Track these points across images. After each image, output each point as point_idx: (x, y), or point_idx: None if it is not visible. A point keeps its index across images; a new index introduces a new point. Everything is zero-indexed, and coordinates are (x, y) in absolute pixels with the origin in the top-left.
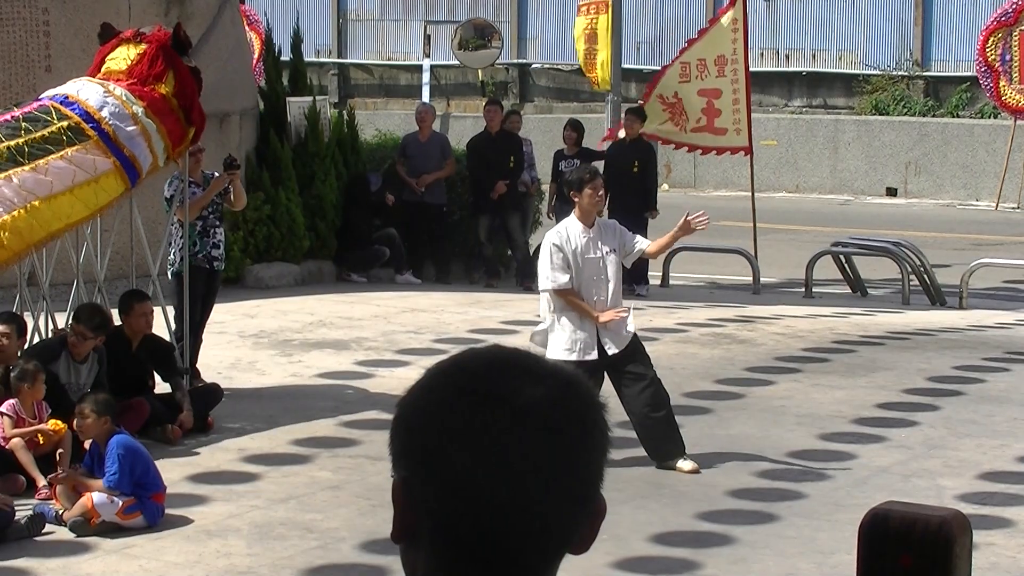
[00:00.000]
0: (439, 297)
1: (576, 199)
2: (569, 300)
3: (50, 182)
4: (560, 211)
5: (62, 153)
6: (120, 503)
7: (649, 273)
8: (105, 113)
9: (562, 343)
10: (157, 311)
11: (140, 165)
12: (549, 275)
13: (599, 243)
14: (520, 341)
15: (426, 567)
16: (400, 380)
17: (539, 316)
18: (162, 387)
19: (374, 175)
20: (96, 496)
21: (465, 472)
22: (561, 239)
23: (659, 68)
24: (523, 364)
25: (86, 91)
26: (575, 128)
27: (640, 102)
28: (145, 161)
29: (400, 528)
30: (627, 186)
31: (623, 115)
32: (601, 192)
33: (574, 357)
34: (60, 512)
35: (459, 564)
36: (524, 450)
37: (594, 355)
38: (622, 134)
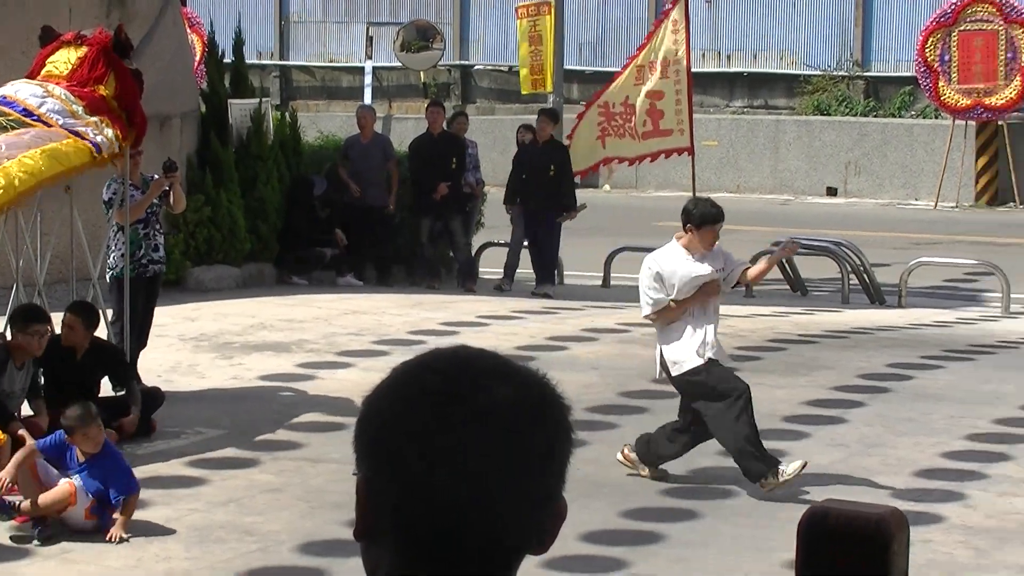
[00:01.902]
0: (380, 299)
1: (691, 232)
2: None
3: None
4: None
5: (17, 132)
6: (89, 500)
7: (588, 273)
8: (45, 109)
9: (683, 351)
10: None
11: (96, 141)
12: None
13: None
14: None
15: (388, 565)
16: (341, 382)
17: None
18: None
19: (317, 177)
20: (78, 482)
21: (425, 472)
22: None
23: (601, 69)
24: (488, 365)
25: (24, 91)
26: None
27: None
28: (101, 142)
29: (362, 526)
30: (543, 189)
31: (536, 117)
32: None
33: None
34: (18, 503)
35: (420, 563)
36: (485, 451)
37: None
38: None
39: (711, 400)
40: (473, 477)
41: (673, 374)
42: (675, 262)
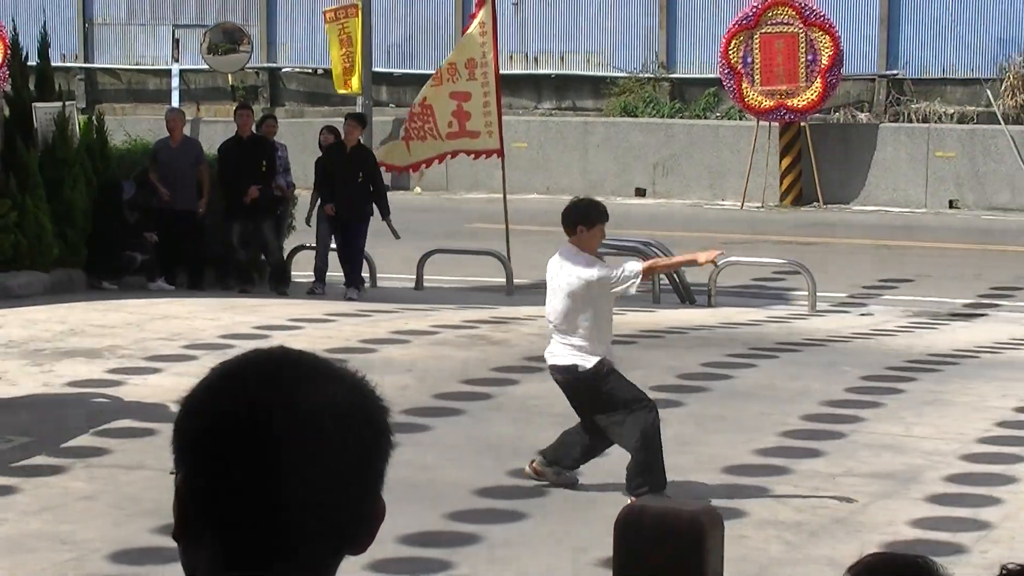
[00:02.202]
0: (192, 303)
1: (582, 232)
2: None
3: None
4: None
5: None
6: None
7: (401, 275)
8: None
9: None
10: None
11: None
12: (628, 275)
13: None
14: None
15: (206, 567)
16: (153, 388)
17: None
18: None
19: (126, 181)
20: None
21: (243, 474)
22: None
23: (410, 72)
24: (308, 365)
25: None
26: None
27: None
28: None
29: (181, 528)
30: (351, 195)
31: (344, 120)
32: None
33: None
34: None
35: (238, 564)
36: (304, 452)
37: None
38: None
39: (627, 412)
40: (291, 478)
41: (605, 388)
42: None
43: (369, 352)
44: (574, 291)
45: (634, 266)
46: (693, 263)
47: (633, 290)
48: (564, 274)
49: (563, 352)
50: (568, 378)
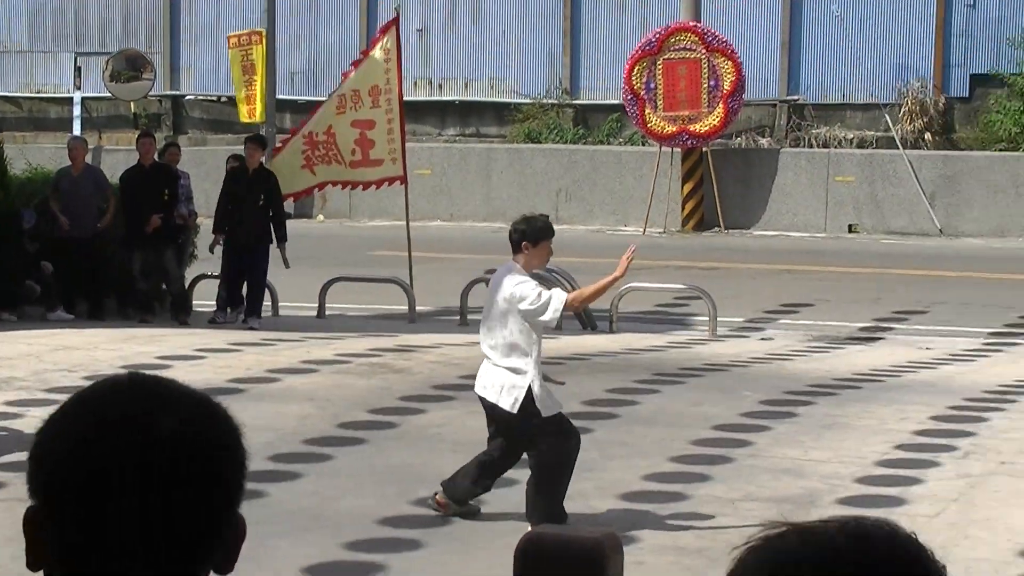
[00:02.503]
0: (92, 334)
1: (528, 250)
2: (580, 297)
3: None
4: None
5: None
6: None
7: (303, 303)
8: None
9: (551, 395)
10: None
11: None
12: (553, 303)
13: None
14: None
15: None
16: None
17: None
18: None
19: (27, 210)
20: None
21: (93, 503)
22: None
23: (313, 99)
24: (159, 390)
25: None
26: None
27: (279, 144)
28: None
29: (31, 559)
30: (253, 218)
31: (245, 144)
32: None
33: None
34: None
35: None
36: (157, 480)
37: None
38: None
39: (553, 438)
40: (144, 507)
41: (546, 413)
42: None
43: (271, 382)
44: (505, 312)
45: (558, 301)
46: (616, 280)
47: (554, 324)
48: (499, 294)
49: (493, 374)
50: (493, 403)
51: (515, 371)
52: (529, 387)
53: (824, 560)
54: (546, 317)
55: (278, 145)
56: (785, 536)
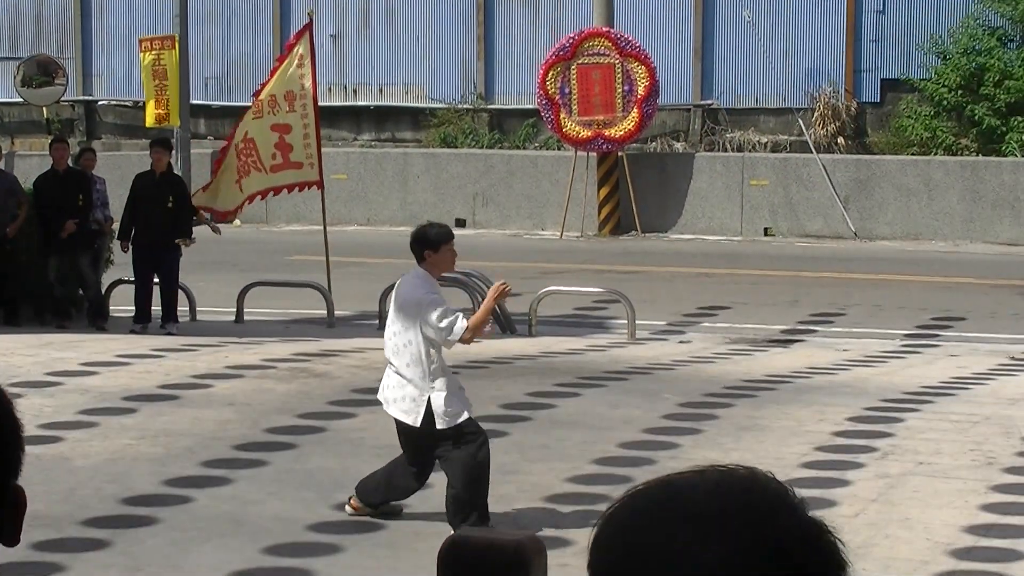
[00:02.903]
0: (8, 340)
1: (431, 257)
2: (473, 328)
3: None
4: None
5: None
6: None
7: (220, 308)
8: None
9: (456, 402)
10: None
11: None
12: (454, 334)
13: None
14: (98, 383)
15: None
16: None
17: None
18: None
19: None
20: None
21: None
22: (433, 287)
23: (228, 104)
24: None
25: None
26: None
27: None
28: None
29: None
30: (161, 221)
31: (150, 148)
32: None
33: (471, 411)
34: None
35: None
36: None
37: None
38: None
39: (457, 444)
40: None
41: (446, 425)
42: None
43: (193, 388)
44: (409, 321)
45: (459, 331)
46: (492, 308)
47: (450, 348)
48: (404, 302)
49: (394, 387)
50: (395, 418)
51: (415, 383)
52: (429, 400)
53: (681, 498)
54: (445, 342)
55: (214, 170)
56: (649, 486)
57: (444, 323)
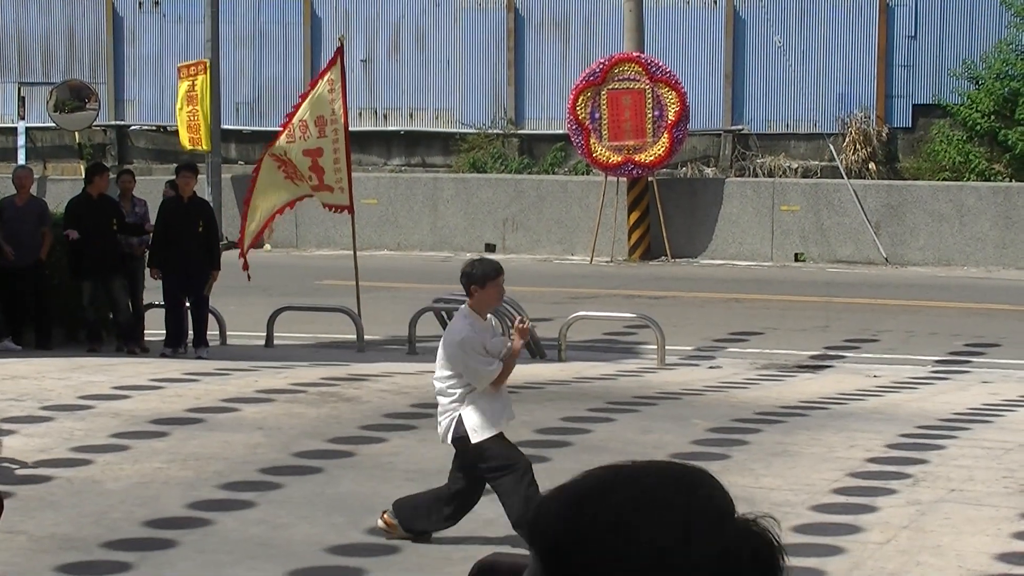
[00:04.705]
0: (39, 363)
1: (477, 293)
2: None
3: None
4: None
5: None
6: None
7: (251, 332)
8: None
9: (484, 421)
10: None
11: None
12: (483, 381)
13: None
14: (130, 406)
15: None
16: (4, 449)
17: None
18: None
19: None
20: None
21: None
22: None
23: (259, 129)
24: None
25: None
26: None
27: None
28: None
29: None
30: (192, 246)
31: (177, 172)
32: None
33: (501, 425)
34: None
35: None
36: None
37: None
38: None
39: (499, 471)
40: None
41: (472, 441)
42: (483, 334)
43: (223, 411)
44: (448, 355)
45: (487, 379)
46: (518, 351)
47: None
48: (446, 339)
49: (440, 408)
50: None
51: (450, 402)
52: (460, 416)
53: (624, 473)
54: (476, 384)
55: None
56: (592, 470)
57: (472, 372)
